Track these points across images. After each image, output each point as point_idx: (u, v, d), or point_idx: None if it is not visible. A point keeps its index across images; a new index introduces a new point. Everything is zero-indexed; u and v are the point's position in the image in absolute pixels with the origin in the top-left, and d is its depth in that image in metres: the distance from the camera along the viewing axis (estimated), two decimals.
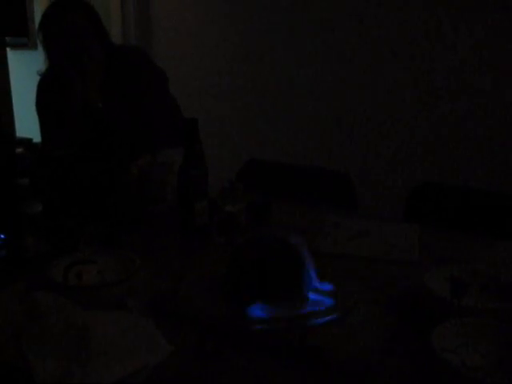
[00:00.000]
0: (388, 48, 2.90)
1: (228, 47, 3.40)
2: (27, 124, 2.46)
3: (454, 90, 2.78)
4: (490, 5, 2.59)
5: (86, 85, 1.89)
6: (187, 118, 1.56)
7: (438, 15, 2.74)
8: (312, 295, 1.19)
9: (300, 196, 2.02)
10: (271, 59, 3.27)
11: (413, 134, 2.91)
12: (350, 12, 2.96)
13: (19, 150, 2.14)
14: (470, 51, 2.69)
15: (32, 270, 1.35)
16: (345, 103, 3.08)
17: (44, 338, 0.97)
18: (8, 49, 4.08)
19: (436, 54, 2.79)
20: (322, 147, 3.14)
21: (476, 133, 2.76)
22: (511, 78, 2.63)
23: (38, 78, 2.04)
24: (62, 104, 1.93)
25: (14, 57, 4.13)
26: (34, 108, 2.05)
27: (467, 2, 2.65)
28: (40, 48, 1.98)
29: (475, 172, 2.73)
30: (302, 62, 3.18)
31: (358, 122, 3.05)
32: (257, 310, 1.15)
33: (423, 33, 2.78)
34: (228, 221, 1.51)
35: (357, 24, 2.96)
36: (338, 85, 3.08)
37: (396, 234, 1.61)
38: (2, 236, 1.47)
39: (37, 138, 2.10)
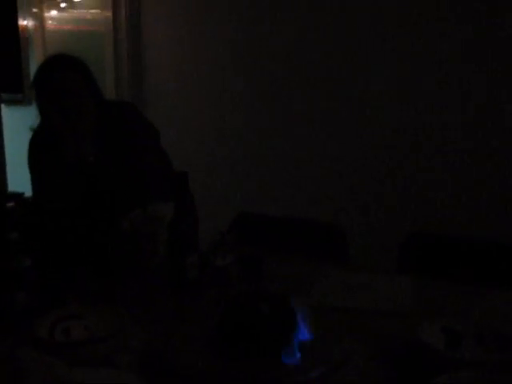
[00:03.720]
0: (376, 99, 2.95)
1: (222, 105, 3.45)
2: (20, 178, 2.47)
3: (442, 141, 2.82)
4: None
5: (78, 140, 1.90)
6: (177, 172, 1.57)
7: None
8: (305, 349, 1.17)
9: (292, 248, 2.01)
10: (264, 116, 3.31)
11: (403, 185, 2.93)
12: (348, 60, 3.03)
13: (10, 205, 2.13)
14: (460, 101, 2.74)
15: (19, 326, 1.33)
16: (335, 155, 3.11)
17: None
18: (3, 105, 4.13)
19: (421, 105, 2.84)
20: (313, 200, 3.15)
21: (464, 182, 2.78)
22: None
23: (31, 133, 2.05)
24: (53, 160, 1.93)
25: (8, 112, 4.16)
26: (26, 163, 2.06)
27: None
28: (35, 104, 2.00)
29: (467, 222, 2.73)
30: (290, 117, 3.22)
31: (348, 174, 3.07)
32: (249, 365, 1.13)
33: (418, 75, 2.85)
34: (219, 275, 1.50)
35: (348, 77, 3.02)
36: (329, 137, 3.11)
37: (388, 286, 1.60)
38: None
39: (29, 192, 2.10)
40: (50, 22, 4.00)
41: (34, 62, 3.95)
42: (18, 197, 2.81)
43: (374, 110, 2.97)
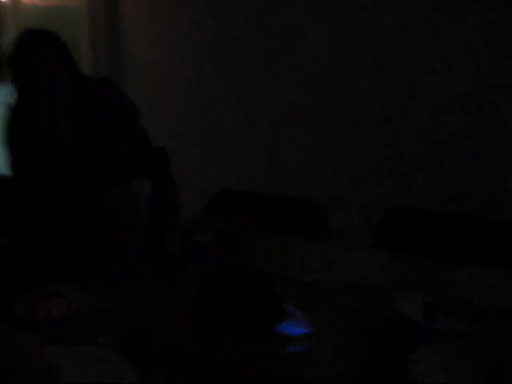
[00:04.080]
0: (362, 70, 2.95)
1: (201, 78, 3.42)
2: None
3: (426, 118, 2.83)
4: None
5: (54, 116, 1.87)
6: (156, 148, 1.56)
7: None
8: (284, 324, 1.18)
9: (271, 225, 2.01)
10: (244, 89, 3.29)
11: (381, 159, 2.94)
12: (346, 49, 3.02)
13: None
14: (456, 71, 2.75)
15: None
16: (315, 131, 3.11)
17: (8, 378, 0.93)
18: None
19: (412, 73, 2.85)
20: (293, 176, 3.15)
21: (444, 157, 2.80)
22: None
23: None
24: (30, 137, 1.90)
25: None
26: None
27: None
28: None
29: (444, 196, 2.76)
30: (275, 92, 3.21)
31: (328, 150, 3.08)
32: (228, 340, 1.14)
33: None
34: (199, 250, 1.50)
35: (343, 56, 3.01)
36: (309, 113, 3.11)
37: (366, 260, 1.62)
38: None
39: (6, 170, 2.07)
40: None
41: (8, 37, 3.86)
42: None
43: (355, 81, 2.96)
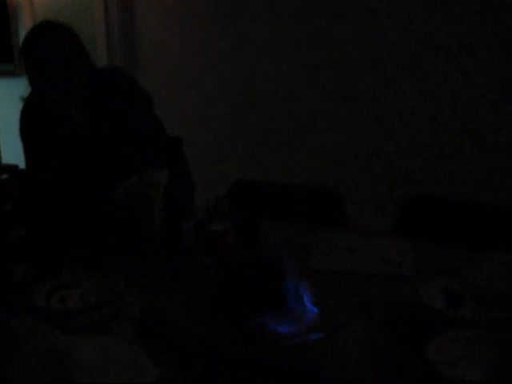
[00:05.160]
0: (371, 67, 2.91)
1: (216, 68, 3.40)
2: (13, 151, 2.44)
3: (444, 107, 2.79)
4: None
5: (69, 109, 1.86)
6: (171, 137, 1.54)
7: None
8: (302, 312, 1.16)
9: (290, 214, 1.99)
10: (259, 80, 3.27)
11: (402, 148, 2.91)
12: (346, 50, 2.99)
13: (4, 176, 2.11)
14: (470, 69, 2.71)
15: (15, 296, 1.31)
16: (333, 120, 3.08)
17: (23, 368, 0.92)
18: None
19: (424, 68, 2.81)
20: (310, 165, 3.13)
21: (463, 147, 2.76)
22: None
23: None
24: (45, 129, 1.90)
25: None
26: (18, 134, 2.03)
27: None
28: None
29: (466, 185, 2.72)
30: (289, 82, 3.18)
31: (346, 139, 3.05)
32: (245, 330, 1.12)
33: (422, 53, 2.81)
34: (215, 240, 1.48)
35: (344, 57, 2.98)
36: (327, 102, 3.08)
37: (388, 249, 1.59)
38: None
39: (23, 164, 2.07)
40: None
41: (23, 31, 3.87)
42: (12, 169, 2.79)
43: (372, 74, 2.93)
